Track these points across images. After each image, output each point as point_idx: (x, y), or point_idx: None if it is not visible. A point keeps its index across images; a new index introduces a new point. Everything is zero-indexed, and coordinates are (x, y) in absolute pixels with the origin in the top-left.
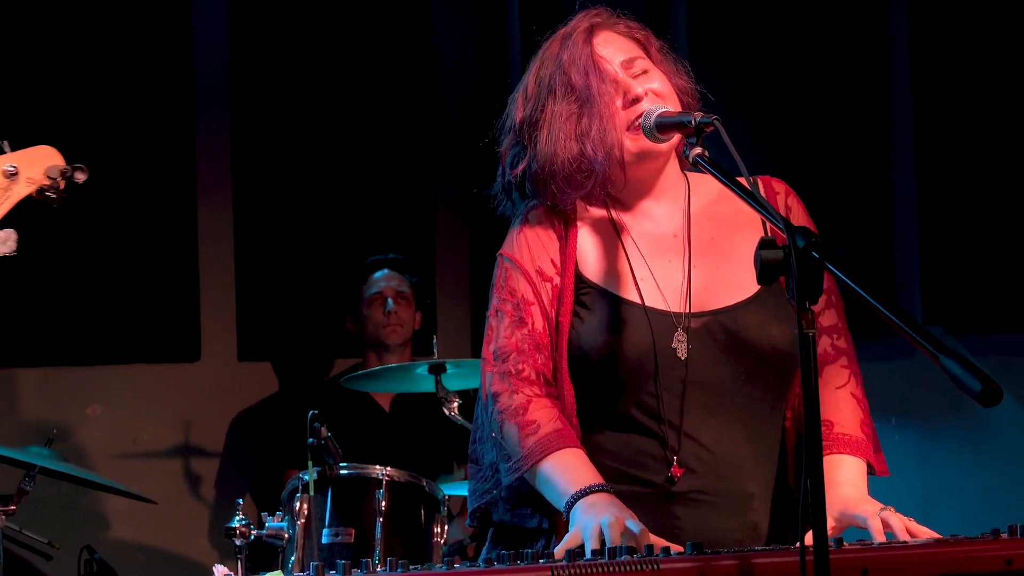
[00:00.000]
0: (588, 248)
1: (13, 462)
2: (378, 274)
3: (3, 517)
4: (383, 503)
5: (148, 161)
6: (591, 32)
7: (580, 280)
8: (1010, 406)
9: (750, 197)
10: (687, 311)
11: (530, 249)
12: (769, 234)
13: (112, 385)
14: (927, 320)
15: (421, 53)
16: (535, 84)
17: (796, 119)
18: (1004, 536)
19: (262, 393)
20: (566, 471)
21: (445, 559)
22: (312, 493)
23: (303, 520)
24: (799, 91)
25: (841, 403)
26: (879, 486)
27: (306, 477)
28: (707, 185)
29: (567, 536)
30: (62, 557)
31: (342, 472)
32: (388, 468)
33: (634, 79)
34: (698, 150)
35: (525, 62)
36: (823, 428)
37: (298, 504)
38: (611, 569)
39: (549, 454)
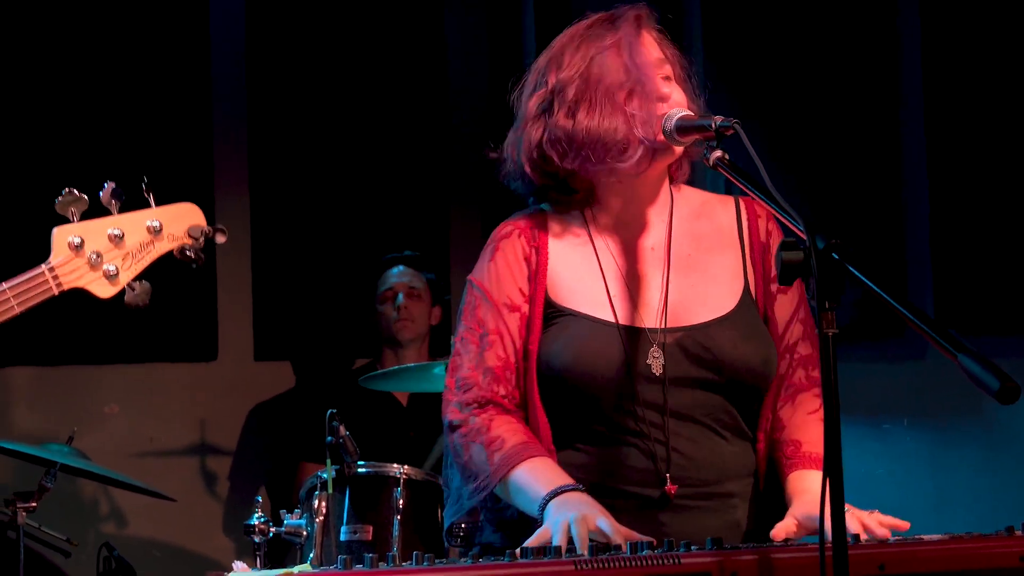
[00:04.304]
0: (562, 271)
1: (34, 459)
2: (392, 271)
3: (23, 514)
4: (400, 501)
5: (165, 161)
6: (640, 22)
7: (550, 305)
8: (1019, 408)
9: (770, 200)
10: (663, 327)
11: (499, 279)
12: (748, 258)
13: (129, 384)
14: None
15: (436, 51)
16: (578, 53)
17: (808, 123)
18: (1019, 533)
19: (279, 392)
20: (537, 477)
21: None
22: (331, 491)
23: (321, 518)
24: (810, 94)
25: (811, 426)
26: (892, 486)
27: (324, 475)
28: (690, 202)
29: (536, 532)
30: (81, 554)
31: (360, 470)
32: (406, 466)
33: (662, 80)
34: (718, 153)
35: None
36: (791, 448)
37: (316, 502)
38: (633, 564)
39: (518, 464)
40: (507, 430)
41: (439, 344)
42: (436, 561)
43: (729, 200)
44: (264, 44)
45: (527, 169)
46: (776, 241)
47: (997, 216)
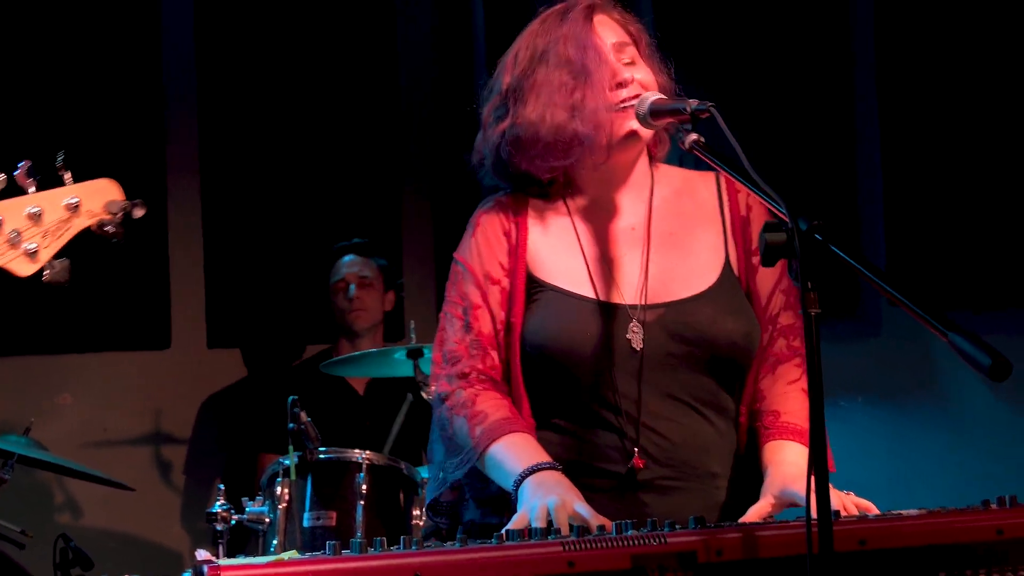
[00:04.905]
0: (541, 247)
1: None
2: (342, 260)
3: None
4: (363, 486)
5: (116, 150)
6: (591, 11)
7: (532, 281)
8: (973, 382)
9: (748, 181)
10: (643, 303)
11: (480, 254)
12: (729, 232)
13: (83, 374)
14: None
15: (385, 39)
16: (528, 51)
17: (759, 91)
18: (994, 507)
19: (232, 380)
20: (515, 452)
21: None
22: (293, 478)
23: (284, 504)
24: (762, 62)
25: (791, 396)
26: (850, 464)
27: (286, 462)
28: (670, 180)
29: (515, 517)
30: (38, 546)
31: (322, 456)
32: (368, 452)
33: (623, 65)
34: (694, 136)
35: (490, 52)
36: (770, 417)
37: (279, 488)
38: (620, 544)
39: (498, 438)
40: (491, 405)
41: (393, 330)
42: (425, 545)
43: (710, 176)
44: (214, 31)
45: (492, 170)
46: (756, 214)
47: (949, 199)
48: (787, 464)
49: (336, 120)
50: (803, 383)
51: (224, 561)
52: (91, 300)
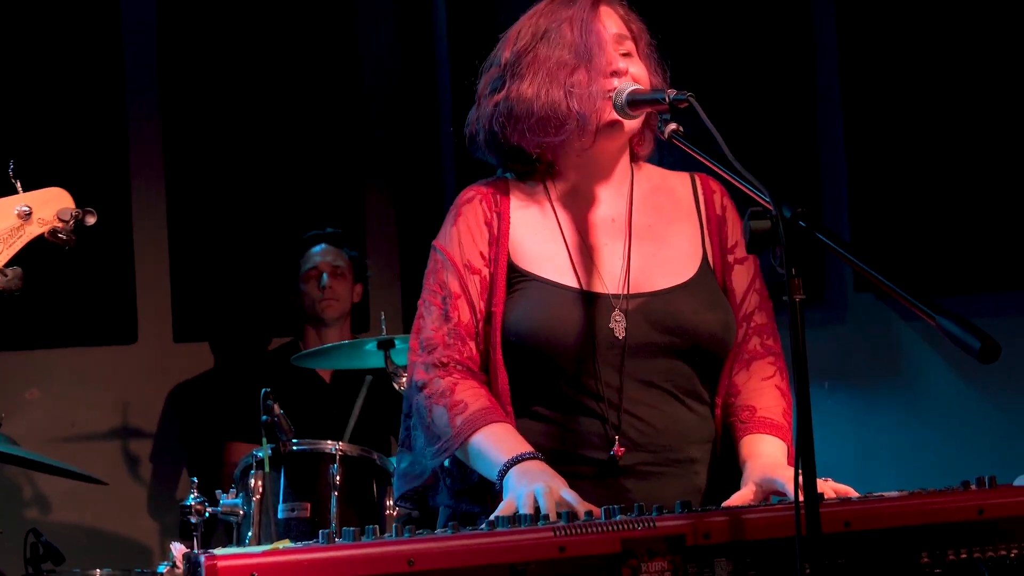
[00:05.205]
0: (523, 236)
1: None
2: (314, 249)
3: None
4: (337, 478)
5: (80, 145)
6: (598, 1)
7: (513, 270)
8: (938, 366)
9: (730, 169)
10: (625, 292)
11: (460, 243)
12: (705, 230)
13: (50, 369)
14: (859, 287)
15: (347, 32)
16: (531, 29)
17: (722, 92)
18: (973, 488)
19: (199, 373)
20: (497, 442)
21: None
22: (267, 470)
23: (258, 496)
24: (725, 67)
25: (765, 392)
26: (817, 448)
27: (260, 454)
28: (649, 177)
29: (501, 504)
30: (8, 540)
31: (295, 448)
32: (340, 443)
33: (619, 56)
34: (673, 126)
35: (452, 48)
36: (746, 412)
37: (253, 480)
38: (610, 528)
39: (479, 429)
40: (470, 395)
41: (359, 321)
42: (416, 533)
43: (685, 176)
44: (177, 28)
45: (484, 145)
46: (731, 215)
47: (913, 186)
48: (766, 456)
49: (299, 114)
50: (776, 380)
51: (220, 551)
52: (57, 296)
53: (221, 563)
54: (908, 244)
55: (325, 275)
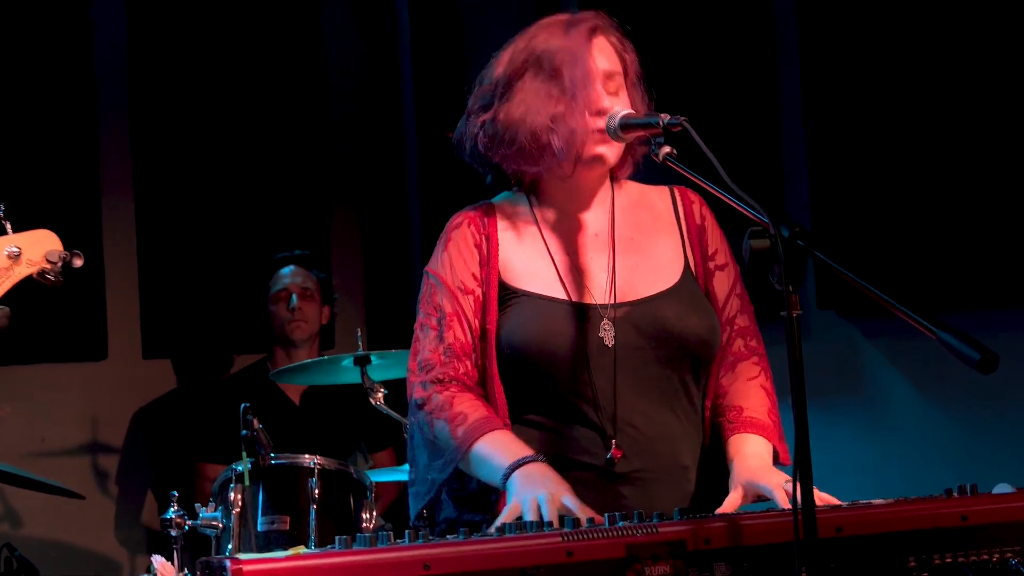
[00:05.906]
0: (512, 256)
1: None
2: (283, 271)
3: None
4: (316, 491)
5: (50, 161)
6: (594, 32)
7: (504, 288)
8: (899, 383)
9: (726, 191)
10: (612, 302)
11: (452, 266)
12: (686, 239)
13: (20, 386)
14: (821, 305)
15: (312, 52)
16: (524, 52)
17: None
18: (956, 495)
19: (168, 390)
20: (499, 448)
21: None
22: (247, 483)
23: (238, 509)
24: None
25: (751, 392)
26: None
27: (239, 468)
28: (628, 192)
29: (505, 510)
30: None
31: (274, 462)
32: (318, 457)
33: (607, 93)
34: (667, 149)
35: (416, 67)
36: (733, 412)
37: (232, 494)
38: (615, 534)
39: (480, 437)
40: (469, 406)
41: (326, 342)
42: (429, 538)
43: (664, 189)
44: (146, 45)
45: (469, 157)
46: (710, 224)
47: (877, 201)
48: (751, 456)
49: (266, 135)
50: (761, 380)
51: (245, 556)
52: (28, 313)
53: (247, 567)
54: (869, 258)
55: (294, 296)
